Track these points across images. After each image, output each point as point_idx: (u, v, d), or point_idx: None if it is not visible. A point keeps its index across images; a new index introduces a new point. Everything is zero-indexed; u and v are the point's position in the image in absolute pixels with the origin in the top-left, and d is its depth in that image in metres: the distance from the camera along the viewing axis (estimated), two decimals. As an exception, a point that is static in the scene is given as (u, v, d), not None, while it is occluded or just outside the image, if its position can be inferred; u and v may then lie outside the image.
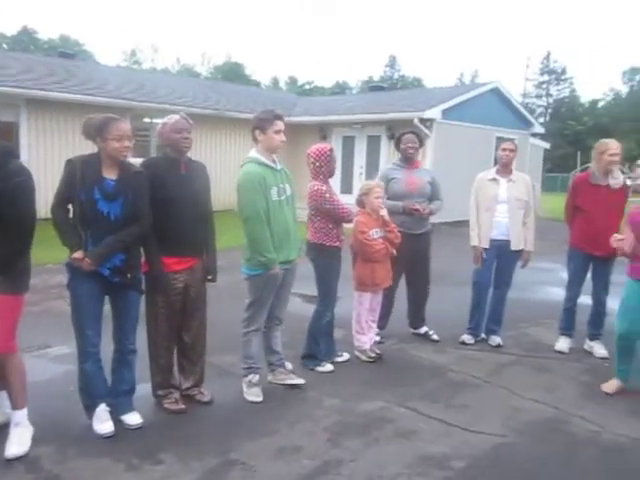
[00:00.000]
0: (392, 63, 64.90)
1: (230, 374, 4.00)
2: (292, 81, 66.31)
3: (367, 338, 4.47)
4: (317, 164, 4.04)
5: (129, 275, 3.11)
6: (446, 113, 13.40)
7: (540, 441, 3.25)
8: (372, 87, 23.69)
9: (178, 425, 3.29)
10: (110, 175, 3.03)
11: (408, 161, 4.83)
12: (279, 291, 3.68)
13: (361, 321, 4.45)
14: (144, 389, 3.51)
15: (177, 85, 16.26)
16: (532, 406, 3.70)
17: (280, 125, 3.52)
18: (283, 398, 3.72)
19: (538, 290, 7.03)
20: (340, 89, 61.30)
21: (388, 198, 4.57)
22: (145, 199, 3.11)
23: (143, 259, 3.26)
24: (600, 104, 59.10)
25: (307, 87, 63.30)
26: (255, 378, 3.70)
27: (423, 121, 12.93)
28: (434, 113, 13.10)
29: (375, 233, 4.29)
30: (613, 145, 4.47)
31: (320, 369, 4.17)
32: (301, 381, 3.86)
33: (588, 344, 4.81)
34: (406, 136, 4.82)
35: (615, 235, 3.89)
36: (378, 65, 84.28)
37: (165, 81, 17.35)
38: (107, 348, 3.23)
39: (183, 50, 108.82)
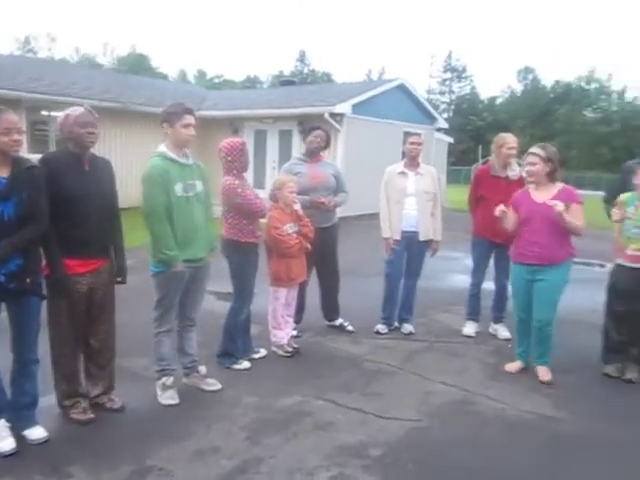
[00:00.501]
0: (302, 58, 65.25)
1: (143, 378, 3.85)
2: (201, 74, 64.86)
3: (284, 333, 4.47)
4: (229, 158, 3.97)
5: (28, 280, 2.89)
6: (356, 108, 13.63)
7: (451, 422, 3.41)
8: (283, 81, 23.64)
9: (88, 436, 3.12)
10: (1, 173, 2.80)
11: (311, 155, 4.86)
12: (189, 291, 3.59)
13: (277, 316, 4.44)
14: (49, 400, 3.29)
15: (78, 76, 15.35)
16: (443, 389, 3.87)
17: (189, 119, 3.42)
18: (199, 399, 3.64)
19: (445, 278, 7.35)
20: (251, 83, 60.75)
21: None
22: (42, 197, 2.90)
23: (44, 262, 3.05)
24: (498, 101, 62.76)
25: (216, 81, 62.20)
26: (169, 380, 3.58)
27: (334, 116, 13.09)
28: (344, 108, 13.29)
29: (289, 228, 4.29)
30: (510, 139, 4.76)
31: (237, 367, 4.12)
32: (216, 387, 3.78)
33: (493, 327, 5.10)
34: (316, 131, 4.85)
35: (501, 206, 4.13)
36: (289, 60, 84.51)
37: (65, 71, 16.32)
38: (6, 358, 3.00)
39: (83, 40, 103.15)
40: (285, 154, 14.24)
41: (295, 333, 4.71)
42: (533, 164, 4.01)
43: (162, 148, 3.45)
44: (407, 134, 4.99)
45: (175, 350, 3.71)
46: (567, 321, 4.49)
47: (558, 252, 3.99)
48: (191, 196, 3.46)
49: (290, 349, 4.43)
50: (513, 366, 4.25)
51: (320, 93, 15.92)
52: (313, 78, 59.84)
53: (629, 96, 54.75)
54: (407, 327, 5.06)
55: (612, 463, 3.02)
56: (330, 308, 5.11)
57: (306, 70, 64.74)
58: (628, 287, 4.13)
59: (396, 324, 5.13)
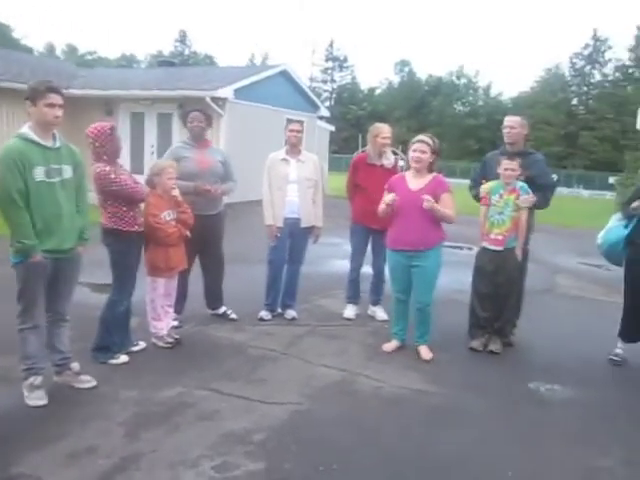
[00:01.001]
0: (183, 38, 62.94)
1: (8, 379, 3.55)
2: (71, 50, 60.30)
3: (164, 324, 4.34)
4: (97, 144, 3.73)
5: None
6: (238, 93, 13.45)
7: (331, 403, 3.53)
8: (162, 62, 22.70)
9: (-60, 446, 2.82)
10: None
11: (197, 139, 4.73)
12: (56, 283, 3.35)
13: (156, 307, 4.29)
14: None
15: None
16: (324, 372, 3.98)
17: (54, 98, 3.16)
18: (73, 398, 3.43)
19: (327, 264, 7.55)
20: (127, 62, 57.53)
21: (178, 178, 4.43)
22: None
23: None
24: (377, 92, 65.11)
25: (89, 57, 58.15)
26: (37, 380, 3.33)
27: (215, 100, 12.81)
28: (226, 92, 13.06)
29: (167, 215, 4.15)
30: (385, 129, 4.98)
31: (114, 361, 3.93)
32: (90, 384, 3.57)
33: (371, 309, 5.34)
34: (192, 114, 4.72)
35: (391, 195, 4.28)
36: (168, 40, 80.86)
37: None
38: None
39: None
40: (165, 138, 13.69)
41: (176, 324, 4.59)
42: (423, 152, 4.22)
43: (24, 129, 3.17)
44: (290, 121, 5.02)
45: (44, 347, 3.46)
46: (438, 301, 4.81)
47: (430, 238, 4.25)
48: (56, 182, 3.21)
49: (171, 340, 4.32)
50: (390, 345, 4.49)
51: (202, 76, 15.48)
52: (195, 60, 58.05)
53: (494, 92, 59.42)
54: (290, 313, 5.14)
55: (473, 429, 3.30)
56: (213, 296, 5.04)
57: (187, 52, 62.61)
58: (491, 268, 4.52)
59: (279, 310, 5.18)
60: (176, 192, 4.17)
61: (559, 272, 8.40)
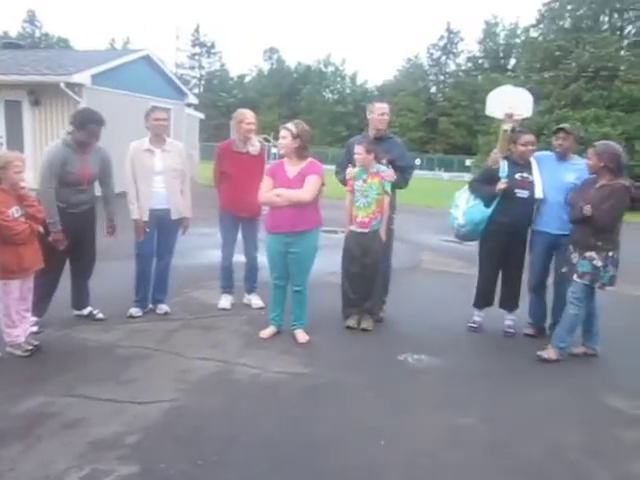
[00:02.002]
0: (32, 19, 57.49)
1: None
2: None
3: (20, 330, 3.97)
4: None
5: None
6: (97, 78, 12.58)
7: (208, 395, 3.47)
8: (7, 44, 20.45)
9: None
10: None
11: (82, 146, 4.37)
12: None
13: (11, 313, 3.91)
14: None
15: None
16: (200, 365, 3.90)
17: None
18: None
19: (200, 255, 7.38)
20: (-36, 43, 51.47)
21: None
22: None
23: None
24: (247, 79, 64.52)
25: None
26: None
27: (71, 86, 11.89)
28: (83, 78, 12.14)
29: (15, 212, 3.78)
30: (249, 114, 4.94)
31: (-39, 377, 3.53)
32: None
33: (247, 298, 5.31)
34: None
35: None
36: (14, 20, 73.43)
37: None
38: None
39: None
40: (14, 128, 12.51)
41: (35, 329, 4.22)
42: (283, 137, 4.24)
43: None
44: (153, 109, 4.77)
45: None
46: (314, 284, 4.90)
47: (305, 221, 4.30)
48: None
49: (29, 347, 3.96)
50: (266, 332, 4.51)
51: (54, 60, 14.24)
52: (47, 43, 53.35)
53: (360, 80, 61.52)
54: (162, 307, 4.96)
55: (347, 404, 3.43)
56: (79, 296, 4.71)
57: (38, 34, 57.34)
58: (359, 250, 4.70)
59: (151, 306, 4.98)
60: (24, 183, 3.81)
61: (424, 249, 8.97)
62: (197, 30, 60.81)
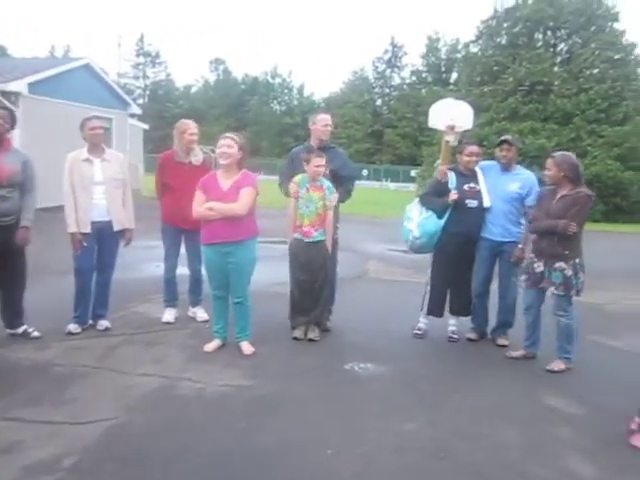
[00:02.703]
0: (-38, 25, 55.00)
1: None
2: None
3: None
4: None
5: None
6: (35, 87, 12.20)
7: (152, 412, 3.38)
8: None
9: None
10: None
11: None
12: None
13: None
14: None
15: None
16: (142, 381, 3.79)
17: None
18: None
19: (144, 268, 7.21)
20: None
21: None
22: None
23: None
24: (193, 89, 63.87)
25: None
26: None
27: (7, 95, 11.49)
28: (19, 86, 11.76)
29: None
30: (192, 125, 4.89)
31: None
32: None
33: (191, 310, 5.22)
34: None
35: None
36: (-57, 25, 69.97)
37: None
38: None
39: None
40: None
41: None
42: (229, 146, 4.19)
43: None
44: (88, 119, 4.62)
45: None
46: (259, 295, 4.87)
47: (241, 231, 4.27)
48: None
49: (-42, 369, 3.76)
50: (211, 345, 4.43)
51: (-12, 67, 13.70)
52: (-19, 50, 51.16)
53: (307, 92, 62.00)
54: (103, 323, 4.79)
55: (293, 415, 3.42)
56: (12, 314, 4.51)
57: (-31, 40, 54.92)
58: (304, 259, 4.71)
59: (91, 322, 4.81)
60: None
61: (370, 259, 9.09)
62: (141, 39, 59.73)
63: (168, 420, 3.29)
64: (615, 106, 22.31)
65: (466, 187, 4.84)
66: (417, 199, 5.13)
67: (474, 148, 4.93)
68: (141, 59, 60.09)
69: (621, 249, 11.68)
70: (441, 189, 4.90)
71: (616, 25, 24.37)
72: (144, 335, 4.72)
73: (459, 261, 4.92)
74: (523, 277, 4.50)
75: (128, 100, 17.56)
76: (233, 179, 4.26)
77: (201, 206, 4.24)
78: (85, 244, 4.52)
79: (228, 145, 4.21)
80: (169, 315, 5.06)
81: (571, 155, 4.43)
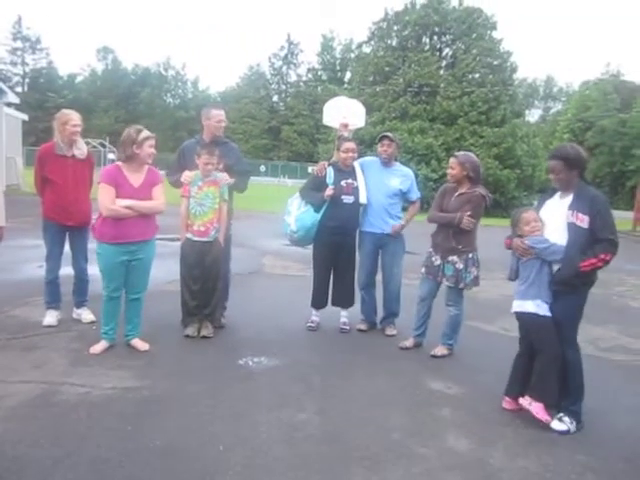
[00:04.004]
0: None
1: None
2: None
3: None
4: None
5: None
6: None
7: (29, 421, 3.16)
8: None
9: None
10: None
11: None
12: None
13: None
14: None
15: None
16: (20, 389, 3.54)
17: None
18: None
19: (23, 269, 6.71)
20: None
21: None
22: None
23: None
24: (79, 79, 60.20)
25: None
26: None
27: None
28: None
29: None
30: (74, 116, 4.63)
31: None
32: None
33: (76, 312, 4.95)
34: None
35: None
36: None
37: None
38: None
39: None
40: None
41: None
42: (150, 147, 4.17)
43: None
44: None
45: None
46: (151, 293, 4.70)
47: (150, 229, 4.25)
48: None
49: None
50: (98, 347, 4.23)
51: None
52: None
53: (202, 85, 60.70)
54: (-26, 329, 4.43)
55: (182, 415, 3.37)
56: None
57: None
58: (197, 258, 4.62)
59: (-40, 328, 4.42)
60: None
61: (265, 254, 9.12)
62: (19, 22, 55.31)
63: (48, 428, 3.10)
64: (494, 109, 24.10)
65: (343, 183, 5.01)
66: (298, 193, 5.23)
67: (350, 145, 5.10)
68: (19, 44, 55.68)
69: (497, 241, 12.66)
70: (319, 184, 5.04)
71: (494, 33, 26.31)
72: (23, 340, 4.40)
73: (337, 254, 5.08)
74: (423, 269, 4.69)
75: (4, 88, 16.19)
76: (142, 175, 4.19)
77: (113, 202, 4.05)
78: None
79: (151, 145, 4.16)
80: (51, 318, 4.76)
81: (473, 155, 4.65)
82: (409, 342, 4.81)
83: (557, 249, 3.43)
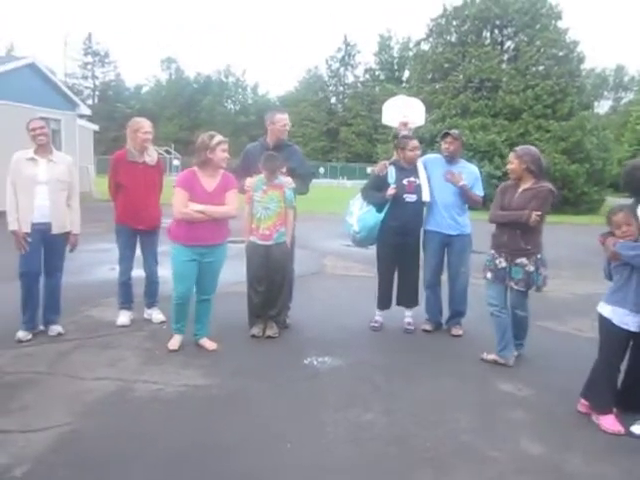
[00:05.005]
0: None
1: None
2: None
3: None
4: None
5: None
6: (-25, 89, 11.71)
7: (106, 416, 3.31)
8: None
9: None
10: None
11: None
12: None
13: None
14: None
15: None
16: (96, 385, 3.71)
17: None
18: None
19: (97, 271, 7.04)
20: None
21: None
22: None
23: None
24: (144, 89, 62.68)
25: None
26: None
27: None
28: (-41, 87, 11.26)
29: None
30: (146, 124, 4.81)
31: None
32: None
33: (147, 312, 5.14)
34: None
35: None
36: None
37: None
38: None
39: None
40: None
41: None
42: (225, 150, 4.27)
43: None
44: (45, 120, 4.47)
45: None
46: (218, 294, 4.82)
47: (222, 233, 4.35)
48: None
49: None
50: (175, 342, 4.38)
51: None
52: None
53: (261, 91, 61.75)
54: (54, 328, 4.65)
55: (252, 412, 3.42)
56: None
57: None
58: (262, 261, 4.68)
59: (42, 327, 4.67)
60: None
61: (327, 255, 9.15)
62: (89, 38, 58.24)
63: (124, 423, 3.24)
64: (560, 102, 23.12)
65: (405, 181, 4.93)
66: (359, 194, 5.19)
67: (416, 142, 5.03)
68: (89, 58, 58.61)
69: (566, 239, 12.16)
70: (380, 183, 4.98)
71: (559, 23, 25.25)
72: (98, 339, 4.61)
73: (401, 254, 5.01)
74: (488, 274, 4.31)
75: (76, 100, 17.08)
76: (216, 179, 4.29)
77: (186, 206, 4.18)
78: (29, 239, 4.38)
79: (224, 149, 4.26)
80: (124, 317, 4.97)
81: (532, 148, 4.33)
82: (491, 356, 4.40)
83: None
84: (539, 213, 4.04)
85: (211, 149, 4.21)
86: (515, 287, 4.21)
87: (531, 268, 4.14)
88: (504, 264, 4.21)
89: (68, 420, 3.23)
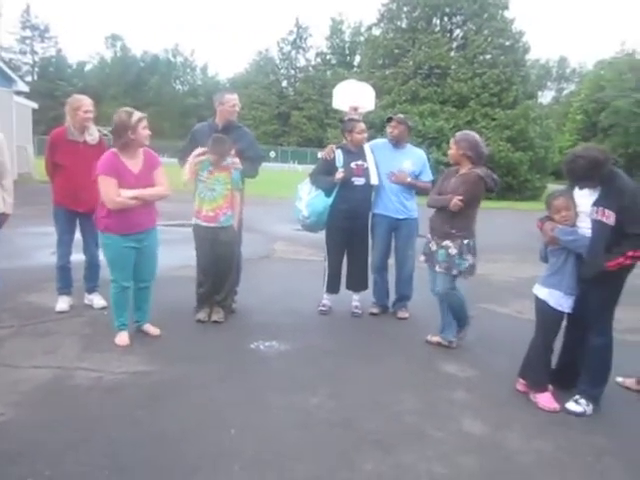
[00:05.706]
0: None
1: None
2: None
3: None
4: None
5: None
6: None
7: (42, 406, 3.17)
8: None
9: None
10: None
11: None
12: None
13: None
14: None
15: None
16: (32, 374, 3.55)
17: None
18: None
19: (35, 256, 6.73)
20: None
21: None
22: None
23: None
24: (88, 67, 60.26)
25: None
26: None
27: None
28: None
29: None
30: (86, 101, 4.59)
31: None
32: None
33: (88, 298, 4.96)
34: None
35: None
36: None
37: None
38: None
39: None
40: None
41: None
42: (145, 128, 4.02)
43: None
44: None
45: None
46: (160, 279, 4.70)
47: (155, 217, 4.21)
48: None
49: None
50: (123, 339, 4.13)
51: None
52: None
53: (211, 72, 60.46)
54: (-14, 316, 4.44)
55: (195, 399, 3.36)
56: None
57: None
58: (208, 244, 4.58)
59: (-28, 316, 4.44)
60: None
61: (277, 239, 9.09)
62: (27, 11, 55.32)
63: (62, 412, 3.11)
64: (506, 90, 23.74)
65: (353, 165, 4.93)
66: (308, 178, 5.15)
67: (363, 125, 5.03)
68: (28, 32, 55.72)
69: (509, 224, 12.54)
70: (328, 167, 4.97)
71: (506, 13, 25.82)
72: (35, 326, 4.42)
73: (350, 238, 5.03)
74: (422, 257, 4.44)
75: (13, 76, 16.19)
76: (139, 160, 4.06)
77: (118, 195, 3.92)
78: None
79: (144, 126, 4.00)
80: (63, 303, 4.77)
81: (471, 134, 4.34)
82: (435, 338, 4.50)
83: (585, 243, 3.28)
84: (460, 198, 4.07)
85: (133, 128, 3.91)
86: (437, 269, 4.24)
87: (454, 251, 4.16)
88: (435, 247, 4.27)
89: (1, 410, 3.08)
